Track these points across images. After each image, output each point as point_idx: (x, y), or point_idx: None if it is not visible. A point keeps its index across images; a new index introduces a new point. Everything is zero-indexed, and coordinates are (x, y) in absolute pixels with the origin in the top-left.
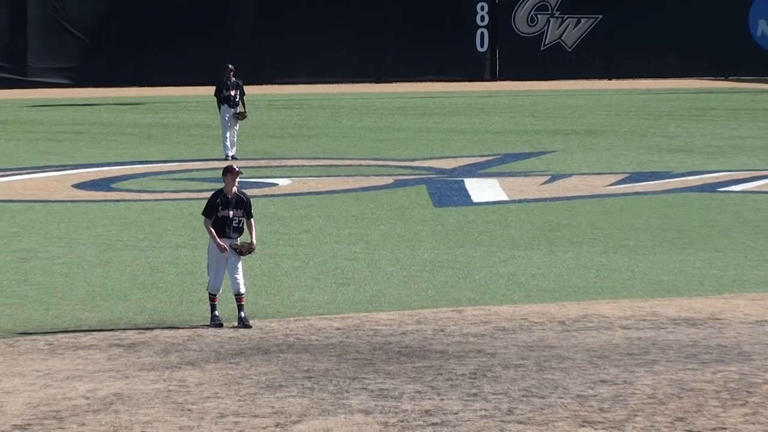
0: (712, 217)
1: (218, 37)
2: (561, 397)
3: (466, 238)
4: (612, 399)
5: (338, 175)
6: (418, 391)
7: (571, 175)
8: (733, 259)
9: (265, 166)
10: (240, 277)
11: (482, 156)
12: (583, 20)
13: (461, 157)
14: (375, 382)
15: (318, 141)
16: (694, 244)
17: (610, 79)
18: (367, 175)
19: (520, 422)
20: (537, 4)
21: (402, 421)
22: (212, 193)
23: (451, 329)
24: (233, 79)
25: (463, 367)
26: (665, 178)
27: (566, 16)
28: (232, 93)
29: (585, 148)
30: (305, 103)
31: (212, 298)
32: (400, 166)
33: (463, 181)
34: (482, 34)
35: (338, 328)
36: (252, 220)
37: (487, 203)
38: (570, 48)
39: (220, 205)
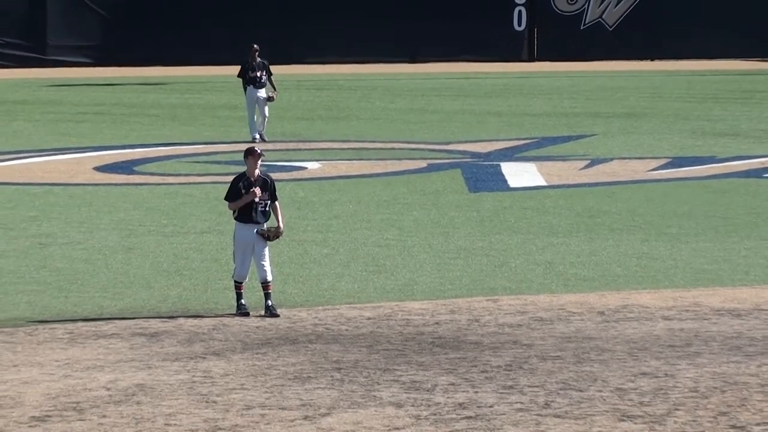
0: (759, 204)
1: (244, 13)
2: (600, 390)
3: (502, 224)
4: (653, 392)
5: (369, 159)
6: (452, 384)
7: (611, 159)
8: None
9: (294, 149)
10: (267, 264)
11: (519, 139)
12: None
13: (497, 140)
14: (407, 373)
15: (348, 123)
16: (740, 232)
17: (652, 59)
18: (400, 159)
19: (558, 416)
20: None
21: (435, 414)
22: (234, 176)
23: (486, 319)
24: (258, 59)
25: (498, 359)
26: (709, 163)
27: None
28: (258, 74)
29: (626, 131)
30: (335, 83)
31: (238, 286)
32: (434, 150)
33: (499, 166)
34: (520, 12)
35: (369, 318)
36: (277, 203)
37: (524, 188)
38: (611, 27)
39: (243, 189)
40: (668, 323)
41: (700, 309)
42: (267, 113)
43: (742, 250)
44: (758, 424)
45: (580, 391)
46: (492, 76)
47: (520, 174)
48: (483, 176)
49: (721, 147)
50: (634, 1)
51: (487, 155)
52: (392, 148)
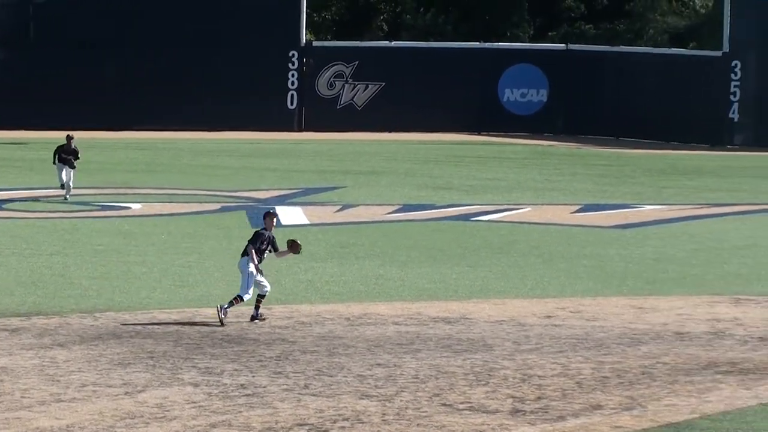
0: (465, 240)
1: (89, 90)
2: (345, 376)
3: None
4: (385, 378)
5: (178, 202)
6: (236, 369)
7: (358, 205)
8: (481, 272)
9: (123, 194)
10: (265, 282)
11: (289, 189)
12: (370, 86)
13: (273, 189)
14: (203, 361)
15: (163, 175)
16: (451, 260)
17: (390, 132)
18: (201, 202)
19: (314, 395)
20: (335, 73)
21: (223, 392)
22: (259, 232)
23: (262, 322)
24: (73, 146)
25: (270, 352)
26: (430, 209)
27: (357, 83)
28: (69, 157)
29: (369, 184)
30: (153, 145)
31: (259, 299)
32: (226, 196)
33: (274, 208)
34: (292, 95)
35: (175, 320)
36: (275, 252)
37: (293, 225)
38: (360, 107)
39: (264, 242)
40: (397, 327)
41: (421, 317)
42: (72, 184)
43: (453, 274)
44: (462, 403)
45: (331, 376)
46: (270, 142)
47: (290, 215)
48: (262, 216)
49: (439, 197)
50: (377, 89)
51: (266, 200)
52: (195, 194)
